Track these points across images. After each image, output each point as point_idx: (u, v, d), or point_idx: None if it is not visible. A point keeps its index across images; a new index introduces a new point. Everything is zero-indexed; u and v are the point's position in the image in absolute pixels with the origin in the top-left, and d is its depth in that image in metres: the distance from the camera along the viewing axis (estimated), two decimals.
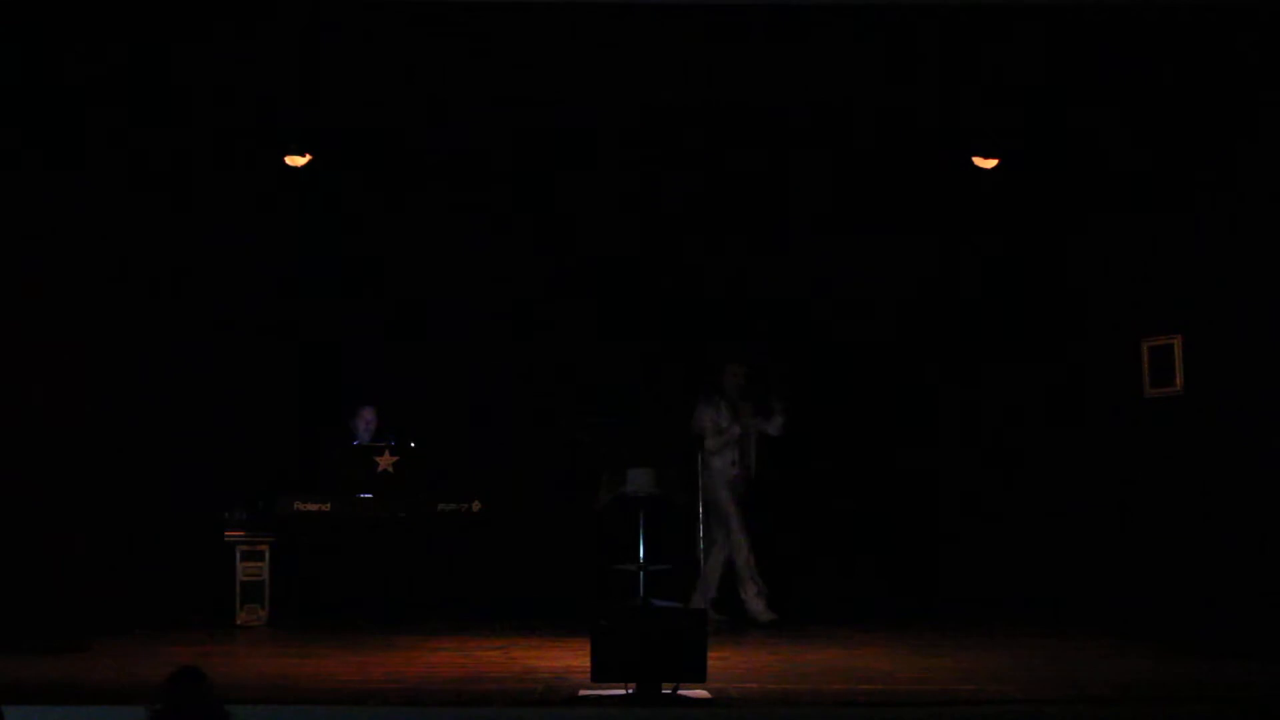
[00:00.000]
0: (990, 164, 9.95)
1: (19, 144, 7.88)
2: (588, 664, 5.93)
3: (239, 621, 9.26)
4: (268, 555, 9.48)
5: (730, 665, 7.25)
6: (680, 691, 5.90)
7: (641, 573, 7.34)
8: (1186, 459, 8.07)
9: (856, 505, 10.66)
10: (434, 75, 8.15)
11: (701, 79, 8.29)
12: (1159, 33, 7.74)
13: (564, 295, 10.61)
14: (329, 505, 9.35)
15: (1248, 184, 7.79)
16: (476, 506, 9.56)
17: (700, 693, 5.99)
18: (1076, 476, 9.57)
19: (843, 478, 10.71)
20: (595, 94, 8.50)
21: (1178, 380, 8.31)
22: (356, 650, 8.03)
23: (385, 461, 9.41)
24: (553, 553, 10.41)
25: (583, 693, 6.09)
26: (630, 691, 5.86)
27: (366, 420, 9.83)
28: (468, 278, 10.66)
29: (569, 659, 7.32)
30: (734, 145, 9.88)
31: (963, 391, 10.55)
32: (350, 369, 10.35)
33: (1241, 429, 7.69)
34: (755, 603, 9.25)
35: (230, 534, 9.42)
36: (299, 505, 9.32)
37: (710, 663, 6.04)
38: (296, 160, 10.00)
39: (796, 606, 10.04)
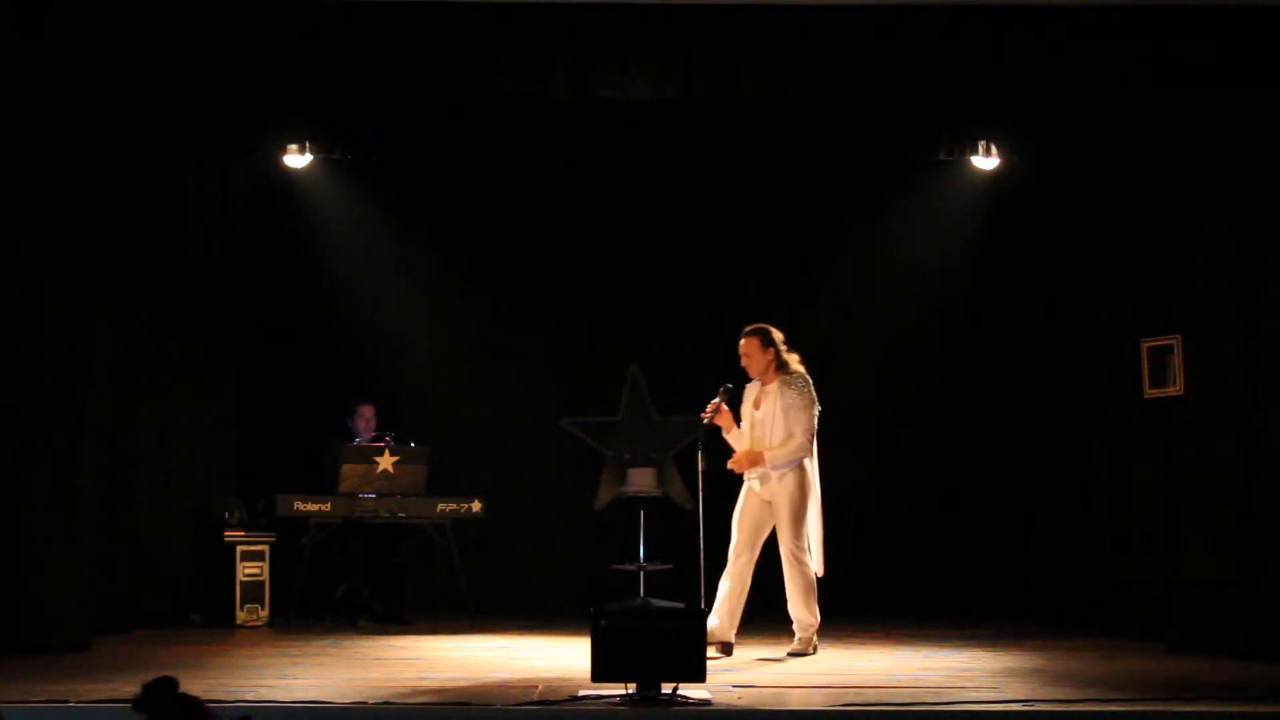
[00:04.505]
0: (991, 164, 9.97)
1: None
2: (588, 664, 5.93)
3: (239, 621, 9.27)
4: (268, 555, 9.50)
5: (730, 665, 7.25)
6: (680, 692, 5.90)
7: (641, 573, 7.33)
8: (1186, 459, 8.06)
9: (853, 503, 10.66)
10: (444, 78, 8.13)
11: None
12: (1158, 30, 7.75)
13: (564, 293, 10.62)
14: (329, 505, 9.36)
15: (1248, 182, 7.79)
16: (476, 506, 9.57)
17: (700, 693, 5.99)
18: (1076, 476, 9.57)
19: (839, 476, 10.70)
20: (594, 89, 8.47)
21: (1178, 380, 8.30)
22: (356, 650, 8.03)
23: (385, 461, 9.42)
24: (553, 553, 10.42)
25: (583, 693, 6.09)
26: (630, 691, 5.86)
27: (366, 419, 9.84)
28: (470, 275, 10.67)
29: (569, 659, 7.33)
30: (725, 137, 9.85)
31: (962, 391, 10.55)
32: (351, 368, 10.35)
33: (1241, 429, 7.68)
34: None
35: (230, 534, 9.43)
36: (299, 505, 9.32)
37: (710, 663, 6.04)
38: (297, 160, 10.03)
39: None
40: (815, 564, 7.74)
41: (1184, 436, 8.06)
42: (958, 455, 10.50)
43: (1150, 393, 8.61)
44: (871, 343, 10.73)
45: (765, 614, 9.39)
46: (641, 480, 8.75)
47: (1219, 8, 7.63)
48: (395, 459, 9.43)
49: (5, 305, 7.70)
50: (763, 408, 7.71)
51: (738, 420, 7.80)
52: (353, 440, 9.74)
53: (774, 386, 7.68)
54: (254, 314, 10.31)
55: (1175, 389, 8.34)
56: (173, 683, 4.07)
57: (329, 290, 10.56)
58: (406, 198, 10.56)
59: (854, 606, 10.08)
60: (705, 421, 7.58)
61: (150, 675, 4.07)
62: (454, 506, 9.54)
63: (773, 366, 7.71)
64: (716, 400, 7.66)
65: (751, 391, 7.83)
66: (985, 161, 9.97)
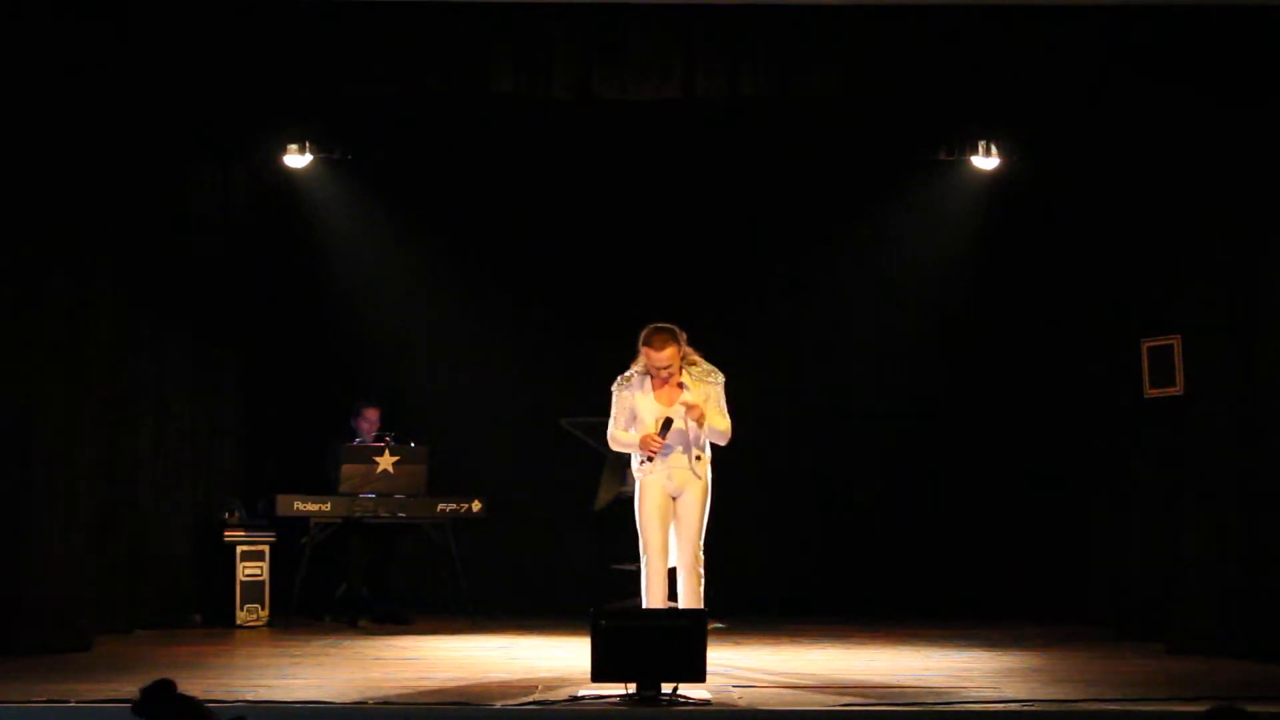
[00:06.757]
0: (991, 164, 9.97)
1: None
2: (588, 664, 5.93)
3: (239, 621, 9.27)
4: (268, 555, 9.49)
5: (730, 665, 7.25)
6: (680, 691, 5.90)
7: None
8: (1186, 459, 8.06)
9: (854, 503, 10.66)
10: (444, 78, 8.12)
11: None
12: (1159, 31, 7.75)
13: (564, 294, 10.61)
14: (329, 505, 9.36)
15: (1248, 182, 7.79)
16: (476, 506, 9.57)
17: (700, 693, 5.99)
18: (1076, 476, 9.56)
19: (840, 476, 10.71)
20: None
21: (1178, 380, 8.29)
22: (356, 650, 8.03)
23: (385, 461, 9.42)
24: (553, 553, 10.42)
25: (583, 692, 6.10)
26: (630, 691, 5.87)
27: (370, 421, 9.83)
28: (470, 276, 10.67)
29: (569, 659, 7.32)
30: (718, 142, 9.85)
31: (962, 390, 10.55)
32: (350, 368, 10.34)
33: (1241, 429, 7.68)
34: None
35: (230, 534, 9.43)
36: (299, 505, 9.32)
37: (710, 663, 6.04)
38: (297, 160, 10.03)
39: (794, 605, 10.06)
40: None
41: (1184, 436, 8.05)
42: (958, 455, 10.50)
43: (1150, 393, 8.60)
44: (871, 343, 10.73)
45: (765, 614, 9.43)
46: None
47: (1220, 9, 7.63)
48: (395, 459, 9.43)
49: (5, 304, 7.70)
50: (677, 402, 7.12)
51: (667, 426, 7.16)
52: (355, 440, 9.73)
53: (686, 379, 7.15)
54: (254, 314, 10.30)
55: (1175, 389, 8.33)
56: (170, 685, 4.07)
57: (329, 290, 10.56)
58: (406, 198, 10.56)
59: (854, 607, 10.09)
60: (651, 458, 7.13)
61: (150, 675, 4.07)
62: (454, 506, 9.54)
63: (682, 361, 7.23)
64: (660, 437, 7.08)
65: (645, 387, 7.19)
66: (985, 161, 9.97)
